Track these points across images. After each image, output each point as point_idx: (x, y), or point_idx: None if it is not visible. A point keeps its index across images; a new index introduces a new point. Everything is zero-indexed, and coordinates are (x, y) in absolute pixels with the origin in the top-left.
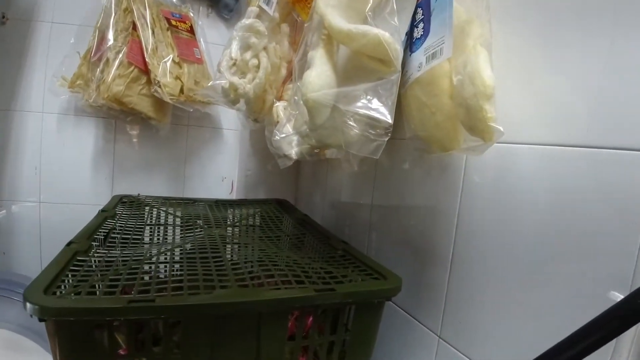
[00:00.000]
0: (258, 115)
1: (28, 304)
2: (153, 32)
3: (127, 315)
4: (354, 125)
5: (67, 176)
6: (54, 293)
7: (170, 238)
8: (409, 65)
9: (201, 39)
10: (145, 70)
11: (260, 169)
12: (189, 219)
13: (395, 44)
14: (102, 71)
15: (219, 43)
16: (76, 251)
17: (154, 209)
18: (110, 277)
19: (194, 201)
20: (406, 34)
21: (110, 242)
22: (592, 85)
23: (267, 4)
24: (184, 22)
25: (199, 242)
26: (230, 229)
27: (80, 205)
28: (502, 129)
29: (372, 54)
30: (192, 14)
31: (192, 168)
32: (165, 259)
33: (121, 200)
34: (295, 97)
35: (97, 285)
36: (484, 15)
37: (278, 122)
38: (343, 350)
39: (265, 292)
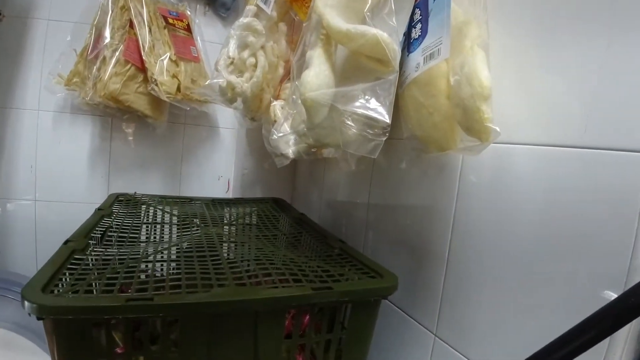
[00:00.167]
0: (255, 114)
1: (26, 303)
2: (150, 30)
3: (125, 314)
4: (352, 124)
5: (63, 174)
6: (52, 291)
7: (167, 237)
8: (407, 66)
9: (198, 37)
10: (142, 68)
11: (257, 167)
12: (185, 218)
13: (393, 44)
14: (98, 69)
15: (216, 41)
16: (73, 249)
17: (151, 208)
18: (107, 276)
19: (190, 200)
20: (404, 35)
21: (107, 241)
22: (588, 86)
23: (265, 3)
24: (181, 20)
25: (195, 240)
26: (227, 227)
27: (76, 204)
28: (498, 130)
29: (370, 54)
30: (189, 12)
31: (189, 166)
32: (162, 257)
33: (117, 199)
34: (294, 97)
35: (94, 284)
36: (482, 16)
37: (275, 121)
38: (339, 348)
39: (262, 290)
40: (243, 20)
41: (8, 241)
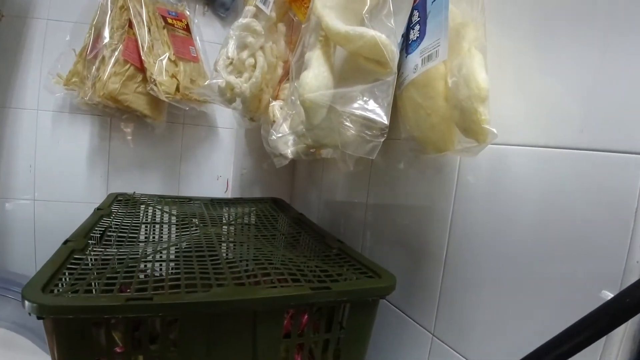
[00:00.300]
0: (254, 114)
1: (26, 302)
2: (149, 30)
3: (125, 313)
4: (350, 125)
5: (61, 174)
6: (52, 291)
7: (166, 236)
8: (405, 67)
9: (197, 37)
10: (141, 68)
11: (256, 167)
12: (184, 218)
13: (391, 46)
14: (97, 69)
15: (215, 41)
16: (73, 249)
17: (150, 207)
18: (107, 276)
19: (189, 199)
20: (402, 36)
21: (106, 241)
22: (584, 88)
23: (264, 4)
24: (180, 20)
25: (194, 240)
26: (226, 227)
27: (74, 203)
28: (495, 131)
29: (368, 55)
30: (188, 12)
31: (188, 166)
32: (161, 257)
33: (116, 199)
34: (292, 97)
35: (94, 284)
36: (479, 18)
37: (274, 121)
38: (338, 348)
39: (261, 290)
40: (242, 20)
41: (7, 240)
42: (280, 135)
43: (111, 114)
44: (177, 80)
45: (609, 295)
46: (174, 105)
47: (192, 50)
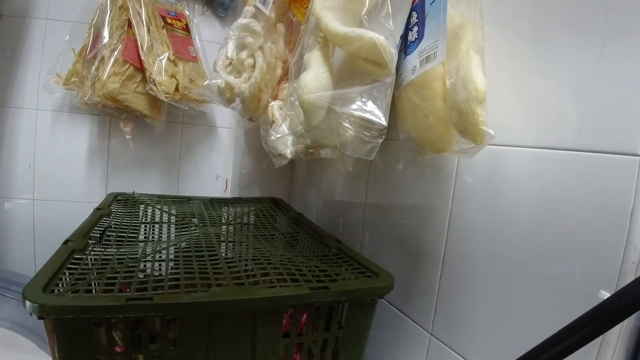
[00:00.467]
0: (253, 114)
1: (27, 302)
2: (148, 30)
3: (125, 313)
4: (349, 126)
5: (61, 173)
6: (52, 291)
7: (165, 236)
8: (403, 68)
9: (196, 37)
10: (140, 68)
11: (255, 167)
12: (184, 217)
13: (390, 47)
14: (97, 69)
15: (214, 41)
16: (73, 249)
17: (149, 207)
18: (107, 275)
19: (188, 199)
20: (401, 37)
21: (106, 240)
22: (582, 89)
23: (263, 4)
24: (180, 20)
25: (194, 240)
26: (225, 227)
27: (74, 203)
28: (492, 133)
29: (367, 56)
30: (187, 12)
31: (187, 166)
32: (161, 257)
33: (116, 198)
34: (292, 98)
35: (94, 283)
36: (477, 20)
37: (273, 121)
38: (336, 347)
39: (260, 290)
40: (241, 21)
41: (6, 240)
42: (279, 135)
43: (110, 113)
44: (177, 80)
45: (606, 295)
46: (173, 105)
47: (192, 50)
